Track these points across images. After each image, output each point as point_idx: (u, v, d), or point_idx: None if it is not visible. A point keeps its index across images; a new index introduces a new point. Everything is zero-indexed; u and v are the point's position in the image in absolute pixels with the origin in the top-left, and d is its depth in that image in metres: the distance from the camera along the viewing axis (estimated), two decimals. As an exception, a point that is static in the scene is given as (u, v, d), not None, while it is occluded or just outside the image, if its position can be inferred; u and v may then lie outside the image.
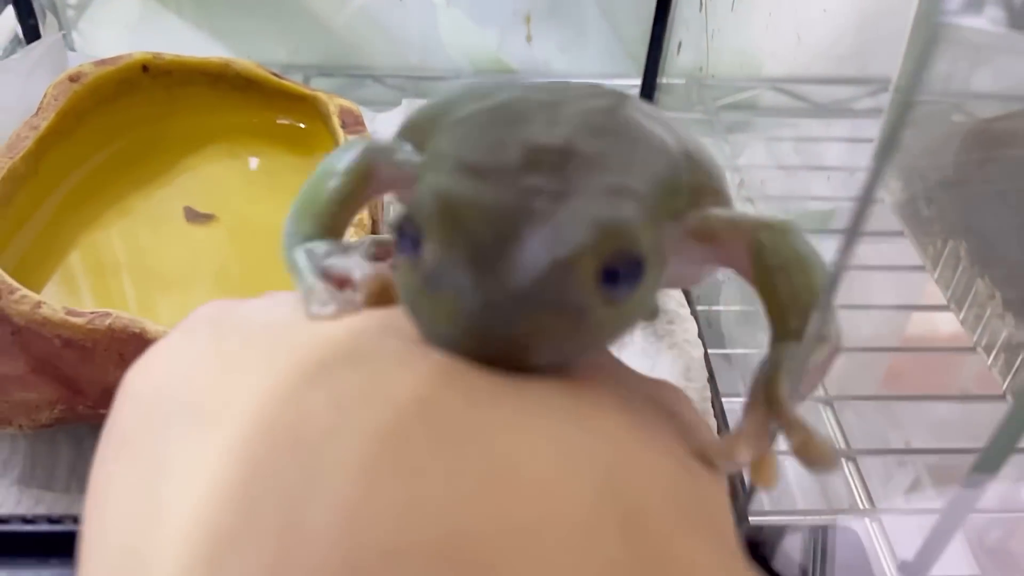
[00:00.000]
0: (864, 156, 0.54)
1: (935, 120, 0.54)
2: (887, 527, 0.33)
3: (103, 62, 0.38)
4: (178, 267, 0.35)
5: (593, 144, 0.14)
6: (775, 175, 0.54)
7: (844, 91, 0.59)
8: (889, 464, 0.45)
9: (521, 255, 0.13)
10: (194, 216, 0.37)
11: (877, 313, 0.50)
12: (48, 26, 0.46)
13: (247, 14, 0.57)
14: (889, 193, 0.53)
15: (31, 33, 0.46)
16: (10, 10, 0.50)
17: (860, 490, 0.36)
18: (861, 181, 0.14)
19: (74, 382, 0.29)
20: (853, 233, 0.15)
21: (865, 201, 0.14)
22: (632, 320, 0.15)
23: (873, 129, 0.55)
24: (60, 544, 0.24)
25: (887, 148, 0.14)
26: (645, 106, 0.17)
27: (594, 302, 0.13)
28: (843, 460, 0.37)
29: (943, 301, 0.48)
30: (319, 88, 0.40)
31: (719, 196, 0.18)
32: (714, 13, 0.53)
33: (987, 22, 0.41)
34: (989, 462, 0.18)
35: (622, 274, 0.13)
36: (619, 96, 0.17)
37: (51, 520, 0.25)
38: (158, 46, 0.41)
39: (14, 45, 0.50)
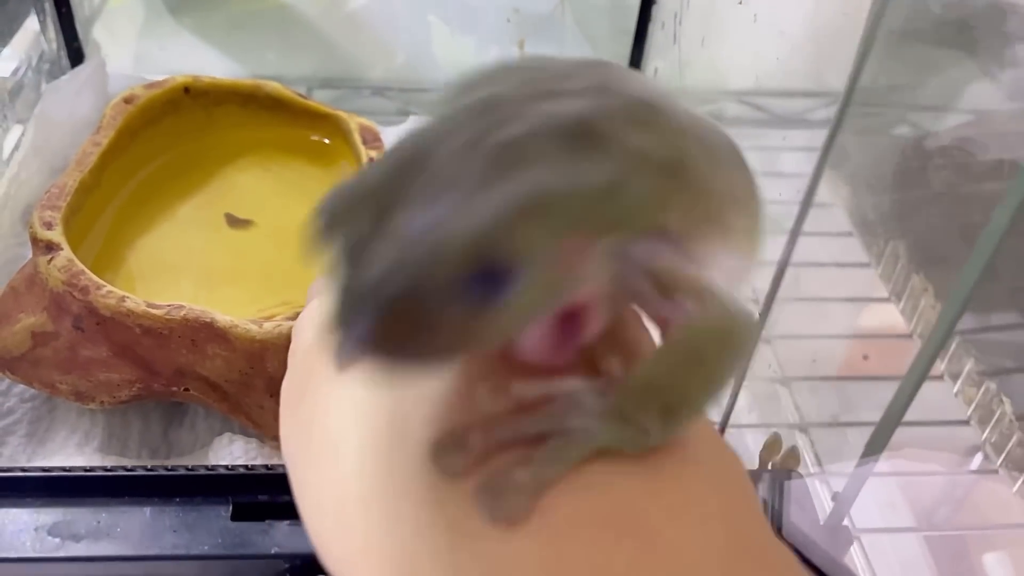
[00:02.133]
0: (811, 165, 0.60)
1: (880, 131, 0.61)
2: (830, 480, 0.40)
3: (151, 85, 0.43)
4: (224, 266, 0.40)
5: (506, 150, 0.14)
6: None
7: (800, 103, 0.66)
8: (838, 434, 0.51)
9: (378, 255, 0.13)
10: (234, 221, 0.42)
11: (834, 305, 0.57)
12: (91, 49, 0.51)
13: (251, 30, 0.61)
14: (840, 199, 0.60)
15: (75, 55, 0.51)
16: (28, 29, 0.54)
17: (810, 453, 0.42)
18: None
19: (150, 364, 0.34)
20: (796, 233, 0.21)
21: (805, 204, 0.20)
22: (513, 324, 0.14)
23: (822, 139, 0.61)
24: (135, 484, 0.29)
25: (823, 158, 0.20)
26: (643, 107, 0.16)
27: (449, 305, 0.13)
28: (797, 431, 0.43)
29: (886, 294, 0.55)
30: (320, 100, 0.45)
31: (712, 201, 0.17)
32: (686, 44, 0.59)
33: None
34: (880, 435, 0.24)
35: (483, 280, 0.13)
36: (612, 96, 0.16)
37: (126, 469, 0.30)
38: (166, 59, 0.45)
39: (35, 61, 0.54)
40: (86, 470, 0.30)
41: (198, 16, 0.61)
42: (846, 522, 0.35)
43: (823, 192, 0.63)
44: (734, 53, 0.62)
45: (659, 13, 0.53)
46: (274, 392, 0.34)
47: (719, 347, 0.15)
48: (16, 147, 0.52)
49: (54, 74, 0.56)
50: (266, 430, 0.35)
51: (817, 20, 0.61)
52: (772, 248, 0.26)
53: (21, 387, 0.37)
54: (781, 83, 0.64)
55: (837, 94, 0.64)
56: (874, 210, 0.58)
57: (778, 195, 0.61)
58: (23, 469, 0.26)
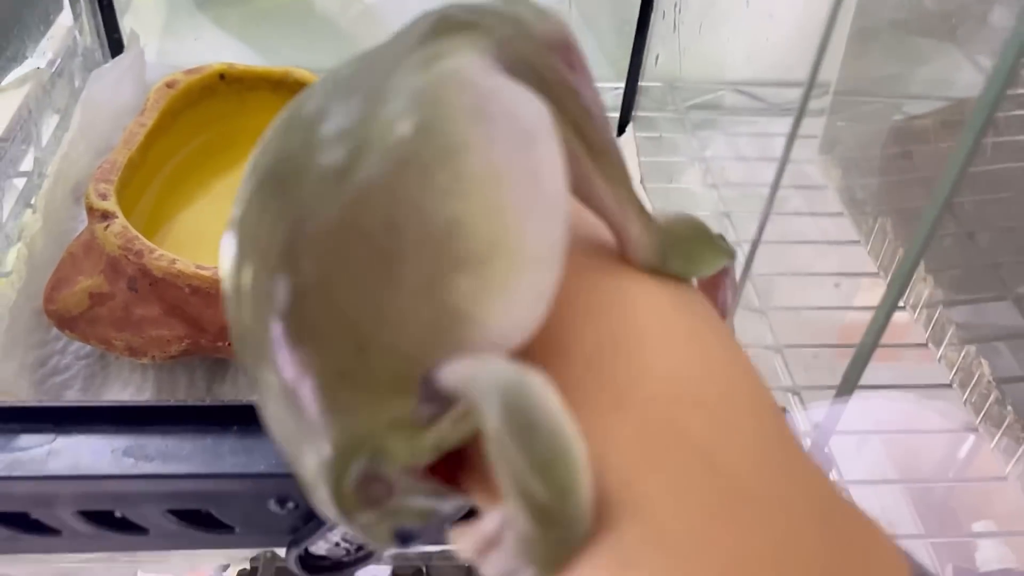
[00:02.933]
0: (807, 150, 0.64)
1: (868, 118, 0.64)
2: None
3: (190, 71, 0.46)
4: (258, 237, 0.44)
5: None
6: (735, 165, 0.64)
7: (793, 93, 0.69)
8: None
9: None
10: (267, 197, 0.46)
11: (825, 279, 0.60)
12: (130, 40, 0.54)
13: (271, 23, 0.65)
14: (831, 180, 0.63)
15: (115, 45, 0.54)
16: (60, 24, 0.58)
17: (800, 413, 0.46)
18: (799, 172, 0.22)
19: (198, 322, 0.38)
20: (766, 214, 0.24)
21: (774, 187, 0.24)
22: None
23: (816, 126, 0.64)
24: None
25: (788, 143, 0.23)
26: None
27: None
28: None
29: (875, 269, 0.58)
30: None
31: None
32: (685, 32, 0.62)
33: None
34: (855, 367, 0.27)
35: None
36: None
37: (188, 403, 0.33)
38: (191, 50, 0.47)
39: (70, 52, 0.58)
40: (154, 403, 0.34)
41: (222, 9, 0.64)
42: (834, 475, 0.39)
43: (815, 175, 0.67)
44: (732, 45, 0.66)
45: (660, 3, 0.56)
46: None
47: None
48: (54, 132, 0.55)
49: (87, 64, 0.60)
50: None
51: (808, 12, 0.64)
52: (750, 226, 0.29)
53: (76, 345, 0.40)
54: (777, 74, 0.68)
55: (828, 84, 0.67)
56: (863, 190, 0.61)
57: (770, 178, 0.65)
58: (99, 403, 0.29)
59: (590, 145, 0.16)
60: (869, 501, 0.45)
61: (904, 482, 0.47)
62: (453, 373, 0.14)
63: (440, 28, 0.16)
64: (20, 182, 0.52)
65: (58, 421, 0.28)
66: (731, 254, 0.19)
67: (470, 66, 0.15)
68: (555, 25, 0.17)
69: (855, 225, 0.60)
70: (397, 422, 0.14)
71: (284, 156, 0.15)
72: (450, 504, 0.15)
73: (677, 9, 0.58)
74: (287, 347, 0.14)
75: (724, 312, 0.20)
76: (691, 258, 0.18)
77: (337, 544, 0.29)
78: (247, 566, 0.34)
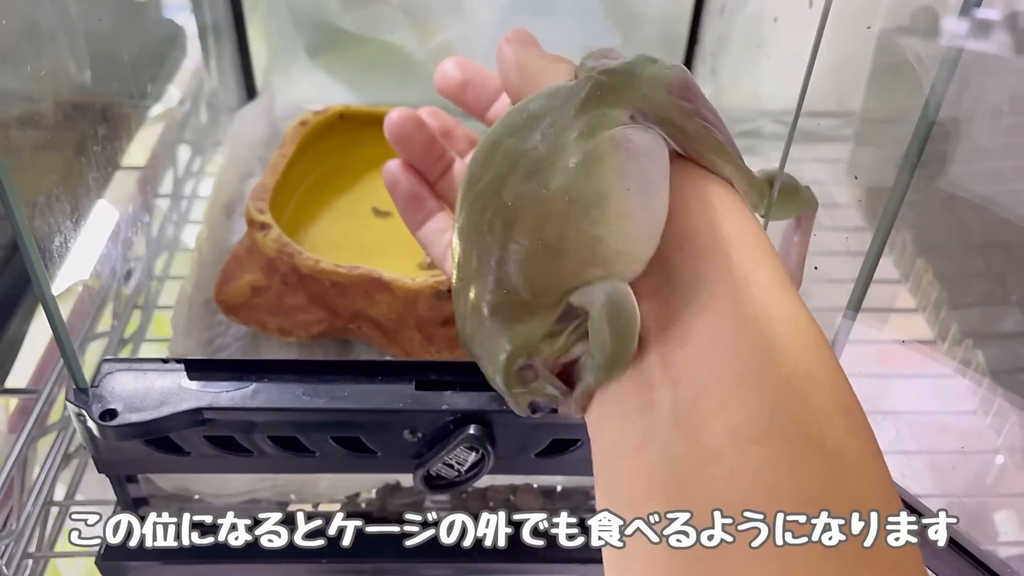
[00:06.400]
0: (834, 172, 0.73)
1: (889, 144, 0.72)
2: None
3: (318, 112, 0.58)
4: (373, 244, 0.54)
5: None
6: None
7: (826, 122, 0.78)
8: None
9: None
10: (379, 213, 0.57)
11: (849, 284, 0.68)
12: (263, 85, 0.66)
13: (370, 66, 0.76)
14: (854, 200, 0.72)
15: (251, 90, 0.66)
16: (185, 69, 0.70)
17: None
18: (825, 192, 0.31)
19: (335, 308, 0.48)
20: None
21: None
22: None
23: (843, 151, 0.73)
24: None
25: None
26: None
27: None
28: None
29: (896, 276, 0.67)
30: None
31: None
32: (723, 75, 0.72)
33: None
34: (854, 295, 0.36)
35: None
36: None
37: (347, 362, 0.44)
38: (301, 88, 0.58)
39: (199, 90, 0.69)
40: (323, 360, 0.44)
41: (326, 56, 0.76)
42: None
43: (840, 195, 0.76)
44: (766, 83, 0.75)
45: (701, 50, 0.66)
46: (421, 328, 0.48)
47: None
48: (188, 164, 0.67)
49: (214, 104, 0.72)
50: (414, 356, 0.48)
51: (833, 50, 0.72)
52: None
53: (235, 328, 0.51)
54: (808, 104, 0.76)
55: (853, 113, 0.76)
56: (884, 208, 0.69)
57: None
58: (286, 360, 0.40)
59: (712, 148, 0.25)
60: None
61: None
62: (582, 295, 0.23)
63: (596, 94, 0.24)
64: (163, 202, 0.64)
65: (254, 371, 0.38)
66: (811, 203, 0.28)
67: (620, 133, 0.24)
68: (678, 72, 0.26)
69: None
70: (545, 333, 0.24)
71: (494, 176, 0.24)
72: (560, 391, 0.26)
73: (714, 57, 0.68)
74: (492, 291, 0.24)
75: (804, 247, 0.30)
76: (783, 203, 0.28)
77: (451, 466, 0.39)
78: (373, 495, 0.45)
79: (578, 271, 0.23)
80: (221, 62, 0.71)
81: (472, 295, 0.25)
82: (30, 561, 0.42)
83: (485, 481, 0.41)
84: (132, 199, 0.54)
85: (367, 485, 0.44)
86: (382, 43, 0.73)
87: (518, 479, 0.43)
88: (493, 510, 0.44)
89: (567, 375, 0.26)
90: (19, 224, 0.32)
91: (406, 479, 0.44)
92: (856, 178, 0.72)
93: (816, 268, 0.53)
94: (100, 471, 0.39)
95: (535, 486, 0.43)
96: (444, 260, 0.36)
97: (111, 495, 0.40)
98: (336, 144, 0.58)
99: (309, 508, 0.45)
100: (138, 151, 0.61)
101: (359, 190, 0.58)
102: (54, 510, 0.44)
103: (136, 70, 0.57)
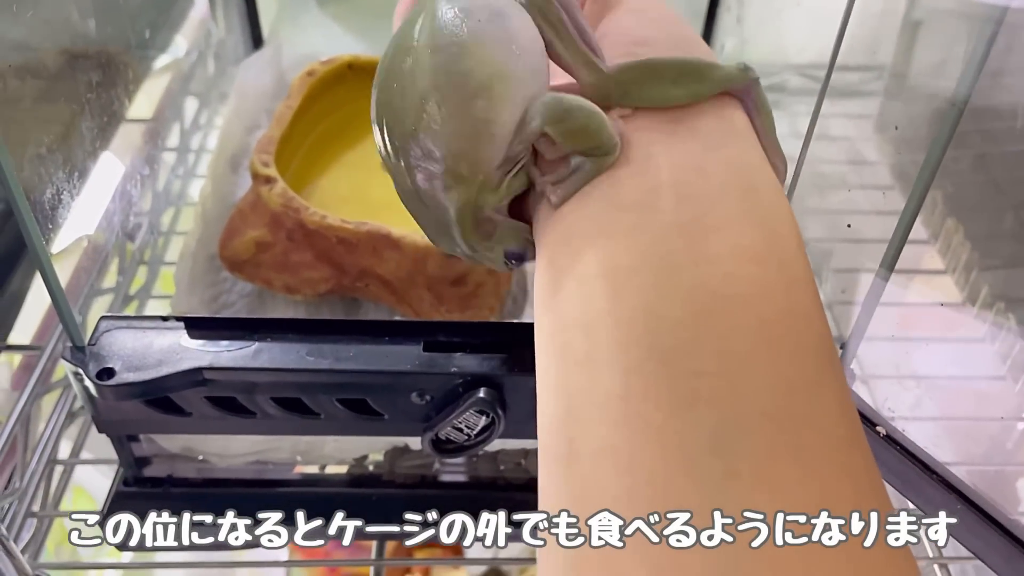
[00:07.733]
0: (862, 128, 0.70)
1: (919, 100, 0.69)
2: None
3: (325, 62, 0.56)
4: (381, 198, 0.52)
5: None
6: (794, 143, 0.70)
7: (854, 76, 0.75)
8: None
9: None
10: (388, 167, 0.55)
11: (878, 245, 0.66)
12: (271, 35, 0.64)
13: (381, 16, 0.74)
14: (884, 157, 0.69)
15: (258, 40, 0.64)
16: (193, 18, 0.68)
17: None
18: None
19: (342, 265, 0.47)
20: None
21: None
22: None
23: (872, 106, 0.70)
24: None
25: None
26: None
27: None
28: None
29: (925, 236, 0.64)
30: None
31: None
32: (748, 23, 0.69)
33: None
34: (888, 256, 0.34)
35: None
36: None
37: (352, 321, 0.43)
38: (309, 38, 0.55)
39: (206, 41, 0.67)
40: (327, 319, 0.43)
41: (337, 6, 0.74)
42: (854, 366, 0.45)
43: (870, 152, 0.73)
44: (792, 34, 0.72)
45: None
46: (431, 287, 0.46)
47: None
48: (195, 116, 0.65)
49: (221, 55, 0.70)
50: (423, 315, 0.47)
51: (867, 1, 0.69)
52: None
53: (240, 284, 0.50)
54: (839, 58, 0.73)
55: (885, 67, 0.73)
56: (913, 165, 0.66)
57: (829, 156, 0.71)
58: (289, 318, 0.38)
59: (552, 24, 0.24)
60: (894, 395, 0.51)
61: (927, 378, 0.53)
62: (525, 128, 0.23)
63: None
64: (169, 156, 0.63)
65: (257, 330, 0.37)
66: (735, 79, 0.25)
67: None
68: None
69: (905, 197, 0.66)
70: (483, 186, 0.24)
71: (389, 65, 0.26)
72: (525, 229, 0.25)
73: (740, 4, 0.65)
74: (420, 166, 0.24)
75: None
76: (642, 94, 0.24)
77: (460, 430, 0.38)
78: (381, 457, 0.43)
79: (472, 131, 0.24)
80: (228, 11, 0.69)
81: (401, 173, 0.25)
82: (34, 520, 0.41)
83: (496, 444, 0.40)
84: (138, 152, 0.52)
85: (375, 447, 0.43)
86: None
87: (530, 443, 0.42)
88: (503, 475, 0.43)
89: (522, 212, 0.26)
90: (8, 178, 0.31)
91: (415, 442, 0.42)
92: (896, 128, 0.69)
93: (849, 226, 0.51)
94: (100, 431, 0.38)
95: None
96: None
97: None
98: (344, 95, 0.56)
99: (315, 470, 0.44)
100: (144, 103, 0.59)
101: (368, 143, 0.56)
102: (58, 468, 0.44)
103: (142, 19, 0.55)
